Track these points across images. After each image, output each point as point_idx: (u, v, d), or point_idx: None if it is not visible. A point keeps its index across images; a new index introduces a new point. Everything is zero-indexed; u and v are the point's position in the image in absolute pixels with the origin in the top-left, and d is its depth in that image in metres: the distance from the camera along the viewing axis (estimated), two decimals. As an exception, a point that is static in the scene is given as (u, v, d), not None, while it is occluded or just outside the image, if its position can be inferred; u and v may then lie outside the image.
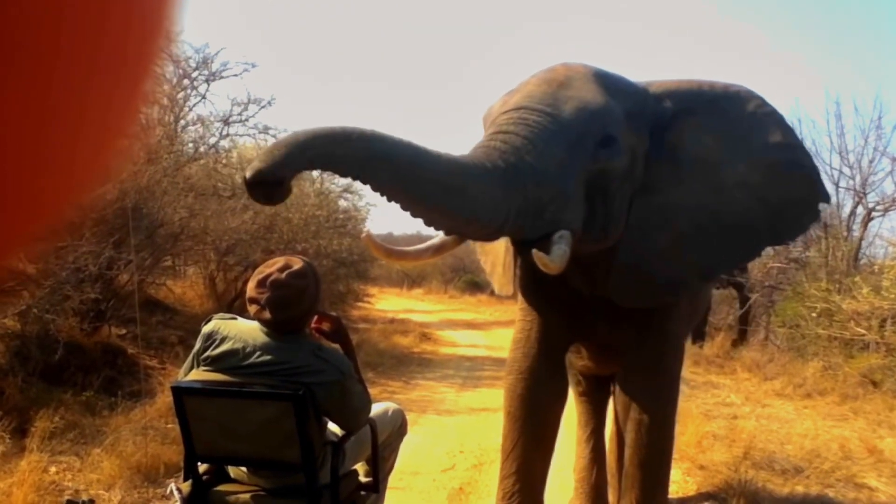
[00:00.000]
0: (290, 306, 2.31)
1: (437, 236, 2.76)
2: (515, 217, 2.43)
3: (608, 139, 2.65)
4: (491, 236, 2.58)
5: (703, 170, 2.89)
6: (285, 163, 2.06)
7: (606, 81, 2.77)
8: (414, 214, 2.30)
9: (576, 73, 2.74)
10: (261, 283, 2.32)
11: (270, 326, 2.34)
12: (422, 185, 2.27)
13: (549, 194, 2.50)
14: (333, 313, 2.75)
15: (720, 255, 2.98)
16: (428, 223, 2.37)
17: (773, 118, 3.01)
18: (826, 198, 3.09)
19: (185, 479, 2.40)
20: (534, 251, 2.43)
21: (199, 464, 2.43)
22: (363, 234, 2.81)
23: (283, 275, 2.32)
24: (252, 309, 2.34)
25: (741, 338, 11.39)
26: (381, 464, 2.77)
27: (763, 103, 3.02)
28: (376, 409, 2.81)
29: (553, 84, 2.68)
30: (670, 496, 4.44)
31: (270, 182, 2.06)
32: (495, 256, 3.47)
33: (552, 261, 2.43)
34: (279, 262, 2.38)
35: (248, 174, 2.05)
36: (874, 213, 10.25)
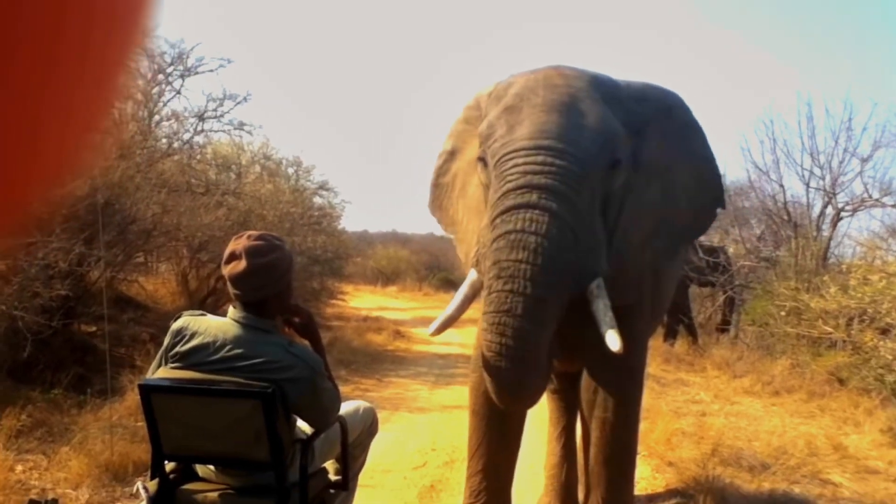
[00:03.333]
0: (266, 253, 2.33)
1: (459, 296, 2.97)
2: (572, 279, 2.62)
3: (615, 162, 2.74)
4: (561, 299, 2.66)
5: (659, 173, 3.02)
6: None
7: (603, 91, 2.82)
8: None
9: (576, 89, 2.75)
10: (240, 236, 2.40)
11: (245, 281, 2.33)
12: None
13: (588, 245, 2.64)
14: (305, 307, 2.76)
15: (664, 251, 3.14)
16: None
17: (700, 129, 3.28)
18: (724, 206, 3.44)
19: (152, 478, 2.39)
20: (608, 341, 2.62)
21: (166, 462, 2.43)
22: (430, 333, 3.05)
23: (263, 233, 2.43)
24: (227, 269, 2.35)
25: (733, 334, 11.45)
26: (351, 462, 2.77)
27: (692, 113, 3.28)
28: (347, 407, 2.82)
29: (562, 110, 2.68)
30: (640, 493, 4.50)
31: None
32: (469, 245, 3.40)
33: (615, 330, 2.63)
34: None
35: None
36: (843, 214, 10.42)
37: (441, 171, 3.53)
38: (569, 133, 2.63)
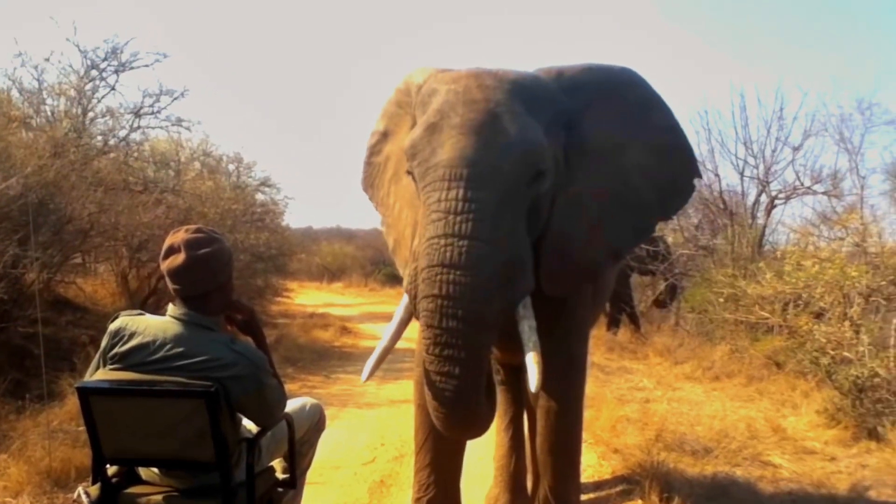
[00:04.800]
0: (205, 245, 2.32)
1: (394, 322, 2.96)
2: (502, 318, 2.65)
3: (538, 174, 2.73)
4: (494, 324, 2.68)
5: (607, 155, 3.01)
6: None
7: (524, 96, 2.78)
8: None
9: (495, 102, 2.71)
10: (177, 230, 2.38)
11: (185, 274, 2.30)
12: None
13: (514, 275, 2.64)
14: (247, 304, 2.73)
15: (626, 234, 3.12)
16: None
17: (657, 102, 3.20)
18: (699, 174, 3.33)
19: (94, 483, 2.34)
20: (528, 369, 2.65)
21: (108, 466, 2.38)
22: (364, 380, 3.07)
23: (200, 226, 2.43)
24: (166, 263, 2.33)
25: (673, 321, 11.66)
26: (298, 459, 2.76)
27: (648, 87, 3.21)
28: (293, 404, 2.80)
29: (480, 131, 2.65)
30: (586, 480, 4.57)
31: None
32: (399, 233, 3.39)
33: (538, 354, 2.66)
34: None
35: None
36: (777, 201, 10.69)
37: (374, 151, 3.55)
38: (486, 158, 2.61)
